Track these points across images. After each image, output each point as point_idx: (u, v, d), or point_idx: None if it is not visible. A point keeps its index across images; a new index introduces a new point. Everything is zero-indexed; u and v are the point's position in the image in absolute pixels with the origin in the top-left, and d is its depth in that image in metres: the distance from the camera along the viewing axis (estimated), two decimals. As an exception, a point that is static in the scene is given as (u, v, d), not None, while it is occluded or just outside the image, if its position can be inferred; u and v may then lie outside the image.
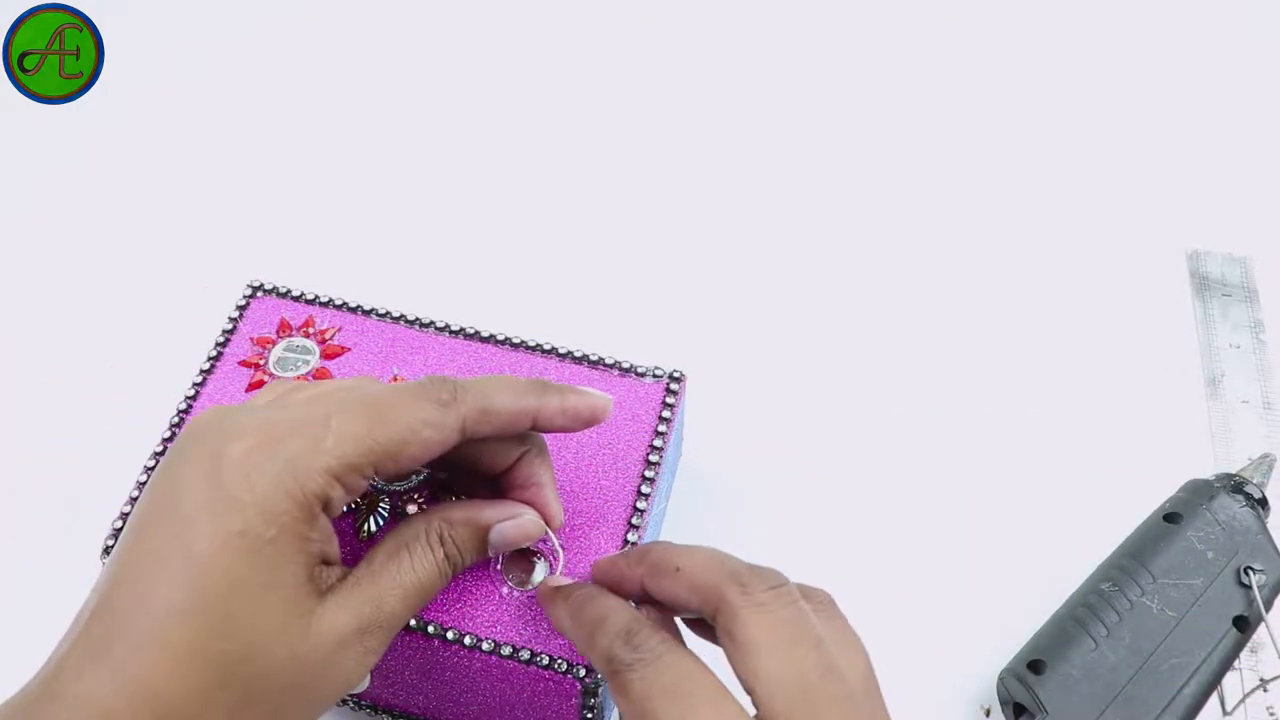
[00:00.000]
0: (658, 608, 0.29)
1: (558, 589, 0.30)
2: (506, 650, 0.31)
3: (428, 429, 0.27)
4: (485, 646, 0.31)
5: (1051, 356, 0.50)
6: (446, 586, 0.31)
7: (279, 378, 0.38)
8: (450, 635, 0.32)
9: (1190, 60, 0.64)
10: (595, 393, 0.31)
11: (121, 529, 0.32)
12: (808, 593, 0.28)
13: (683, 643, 0.27)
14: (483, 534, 0.31)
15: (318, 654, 0.26)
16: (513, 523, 0.31)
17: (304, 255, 0.53)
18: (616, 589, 0.30)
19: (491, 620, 0.32)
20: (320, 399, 0.27)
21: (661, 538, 0.41)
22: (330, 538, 0.27)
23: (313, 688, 0.26)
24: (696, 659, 0.26)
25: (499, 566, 0.33)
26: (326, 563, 0.27)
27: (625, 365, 0.39)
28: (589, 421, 0.31)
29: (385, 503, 0.34)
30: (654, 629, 0.26)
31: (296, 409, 0.27)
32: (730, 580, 0.26)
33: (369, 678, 0.34)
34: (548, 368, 0.39)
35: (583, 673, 0.31)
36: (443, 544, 0.30)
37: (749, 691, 0.25)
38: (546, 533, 0.32)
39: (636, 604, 0.29)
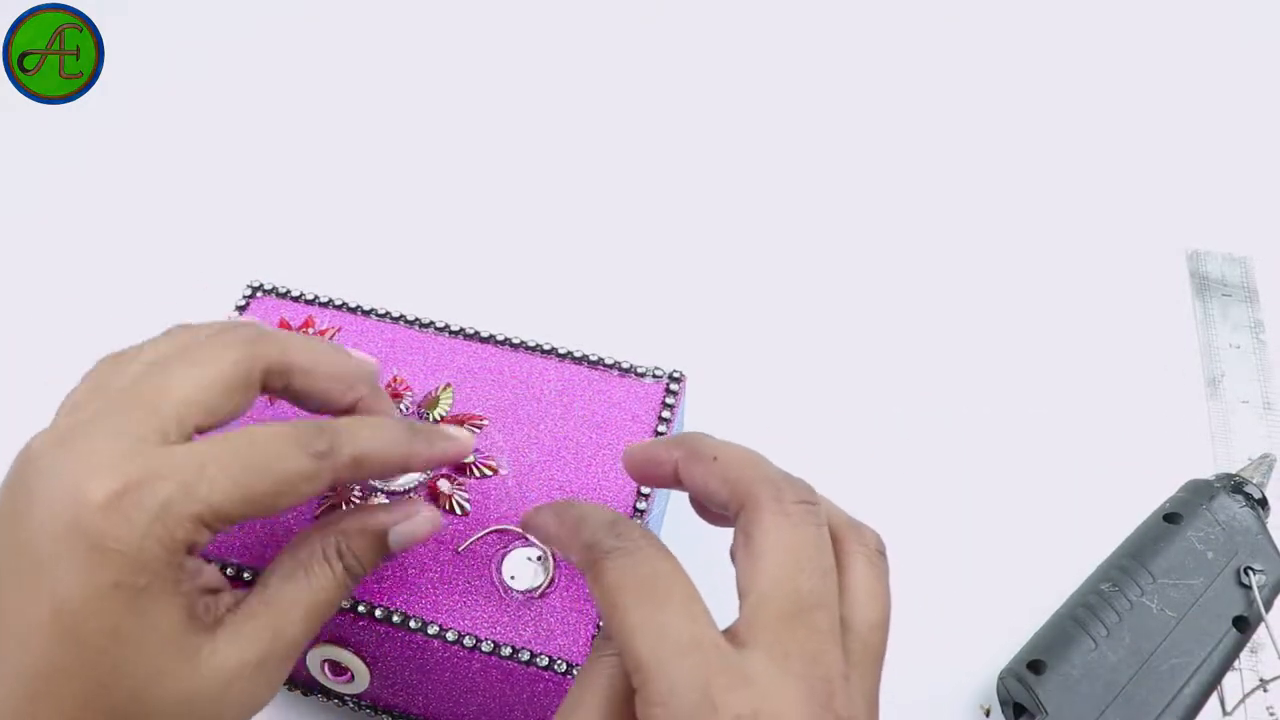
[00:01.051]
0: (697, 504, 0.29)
1: (543, 504, 0.30)
2: (506, 650, 0.31)
3: (303, 483, 0.27)
4: (485, 647, 0.31)
5: (1052, 356, 0.50)
6: (348, 597, 0.30)
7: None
8: (450, 635, 0.32)
9: (1190, 60, 0.64)
10: (459, 435, 0.32)
11: None
12: (858, 530, 0.27)
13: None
14: (381, 538, 0.30)
15: (212, 689, 0.25)
16: (408, 523, 0.30)
17: (304, 255, 0.53)
18: (649, 469, 0.29)
19: (491, 620, 0.32)
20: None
21: (661, 538, 0.41)
22: (202, 569, 0.26)
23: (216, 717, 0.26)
24: (675, 561, 0.25)
25: (499, 567, 0.33)
26: (211, 592, 0.26)
27: (625, 365, 0.39)
28: (455, 461, 0.33)
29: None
30: (638, 524, 0.26)
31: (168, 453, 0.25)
32: (765, 481, 0.26)
33: (369, 679, 0.34)
34: (547, 368, 0.39)
35: (582, 673, 0.31)
36: (340, 557, 0.29)
37: (740, 597, 0.25)
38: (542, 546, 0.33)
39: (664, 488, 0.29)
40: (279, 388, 0.29)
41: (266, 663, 0.26)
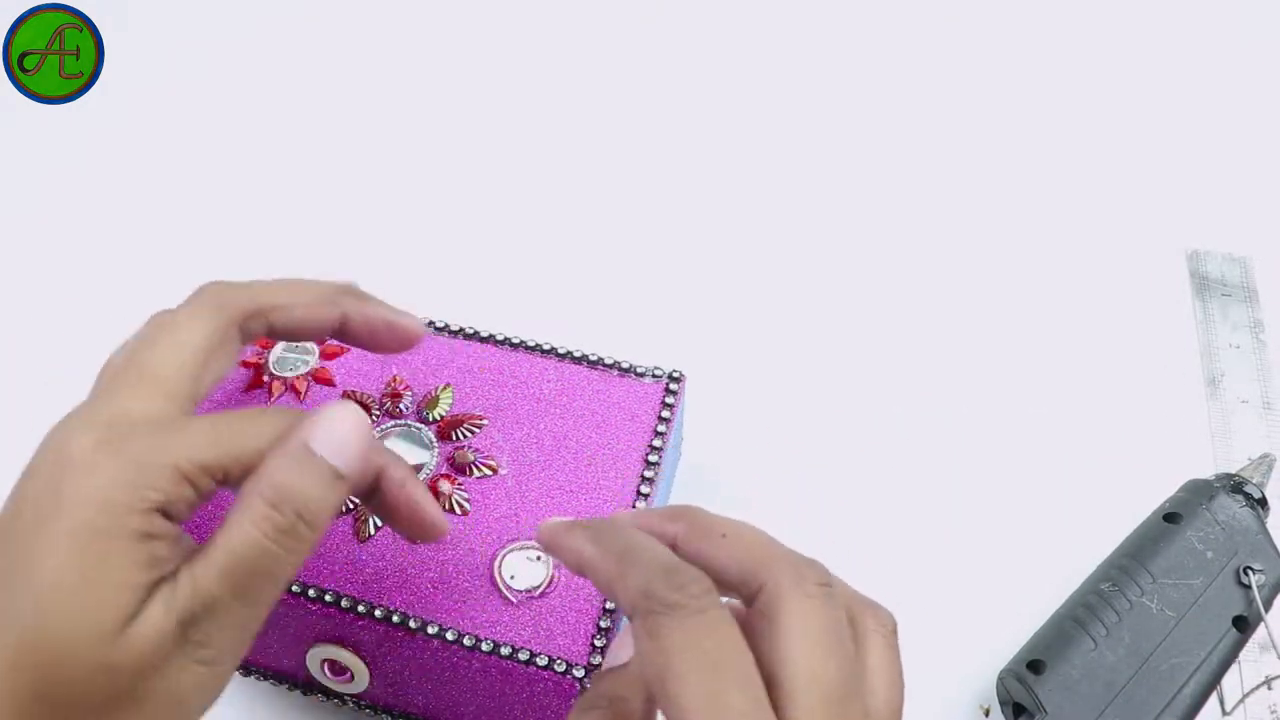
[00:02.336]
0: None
1: (574, 521, 0.28)
2: (506, 650, 0.31)
3: (263, 417, 0.26)
4: (485, 646, 0.31)
5: (1052, 356, 0.50)
6: (305, 553, 0.25)
7: (279, 378, 0.38)
8: (450, 635, 0.32)
9: (1190, 60, 0.64)
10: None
11: None
12: (875, 610, 0.27)
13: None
14: (310, 462, 0.25)
15: (134, 662, 0.23)
16: (325, 426, 0.26)
17: (304, 255, 0.53)
18: None
19: (491, 620, 0.32)
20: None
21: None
22: (179, 538, 0.24)
23: (136, 707, 0.23)
24: (736, 626, 0.24)
25: (499, 567, 0.33)
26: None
27: (625, 365, 0.39)
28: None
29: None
30: (698, 572, 0.24)
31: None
32: (784, 562, 0.25)
33: (369, 679, 0.34)
34: (547, 368, 0.39)
35: (581, 673, 0.31)
36: (262, 497, 0.24)
37: (768, 676, 0.24)
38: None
39: None
40: (262, 330, 0.29)
41: (191, 626, 0.23)
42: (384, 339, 0.31)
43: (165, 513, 0.24)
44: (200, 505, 0.25)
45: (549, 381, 0.38)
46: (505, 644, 0.32)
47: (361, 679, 0.34)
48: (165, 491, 0.24)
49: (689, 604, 0.23)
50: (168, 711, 0.24)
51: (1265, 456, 0.42)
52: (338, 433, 0.26)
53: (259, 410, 0.27)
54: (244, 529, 0.24)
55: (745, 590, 0.26)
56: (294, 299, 0.29)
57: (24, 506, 0.24)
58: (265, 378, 0.38)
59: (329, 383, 0.38)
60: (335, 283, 0.30)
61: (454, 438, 0.36)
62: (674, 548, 0.27)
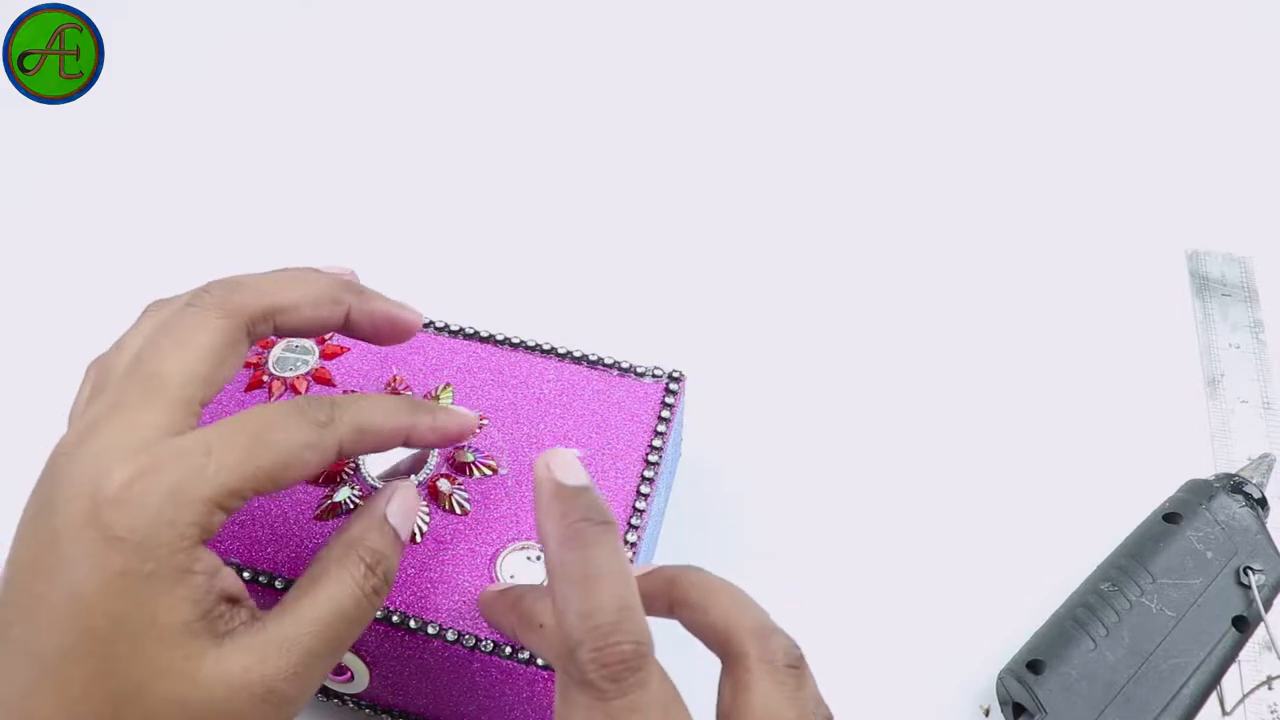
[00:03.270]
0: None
1: (502, 591, 0.30)
2: (506, 650, 0.31)
3: (307, 451, 0.26)
4: (485, 646, 0.32)
5: (1051, 357, 0.50)
6: (380, 608, 0.29)
7: (279, 378, 0.38)
8: (450, 635, 0.32)
9: (1190, 60, 0.64)
10: (462, 411, 0.32)
11: None
12: (764, 642, 0.26)
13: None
14: (386, 528, 0.29)
15: (210, 699, 0.24)
16: (397, 500, 0.30)
17: (304, 255, 0.52)
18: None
19: (491, 620, 0.32)
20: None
21: (661, 538, 0.41)
22: (219, 570, 0.25)
23: None
24: (654, 709, 0.23)
25: (498, 566, 0.33)
26: (232, 601, 0.25)
27: (625, 365, 0.39)
28: (458, 439, 0.32)
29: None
30: (635, 637, 0.23)
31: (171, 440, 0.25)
32: (753, 634, 0.25)
33: (369, 679, 0.34)
34: (547, 368, 0.39)
35: (582, 673, 0.31)
36: (362, 560, 0.28)
37: None
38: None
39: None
40: (268, 331, 0.28)
41: (274, 679, 0.25)
42: (385, 333, 0.31)
43: (204, 539, 0.25)
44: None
45: (549, 381, 0.38)
46: (506, 644, 0.32)
47: (361, 679, 0.34)
48: (202, 526, 0.24)
49: (605, 690, 0.22)
50: None
51: (1265, 456, 0.42)
52: (404, 507, 0.30)
53: (273, 412, 0.27)
54: (348, 587, 0.27)
55: (719, 655, 0.26)
56: (300, 299, 0.29)
57: (56, 530, 0.24)
58: (265, 378, 0.38)
59: (329, 383, 0.38)
60: (336, 276, 0.30)
61: (454, 438, 0.36)
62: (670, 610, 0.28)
